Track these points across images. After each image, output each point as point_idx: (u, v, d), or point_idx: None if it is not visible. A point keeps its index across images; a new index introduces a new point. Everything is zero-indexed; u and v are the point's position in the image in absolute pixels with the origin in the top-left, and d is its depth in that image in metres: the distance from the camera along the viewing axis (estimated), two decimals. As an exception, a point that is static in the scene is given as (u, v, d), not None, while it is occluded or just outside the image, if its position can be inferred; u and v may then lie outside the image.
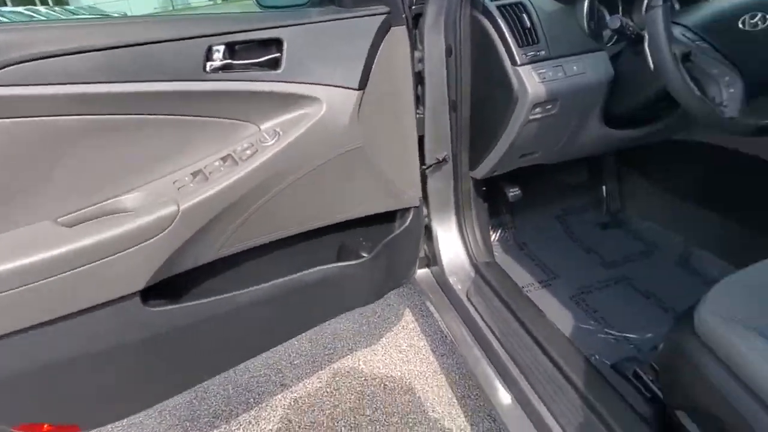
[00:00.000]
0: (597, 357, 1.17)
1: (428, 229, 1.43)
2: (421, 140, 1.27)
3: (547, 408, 0.97)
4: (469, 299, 1.27)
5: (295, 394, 1.46)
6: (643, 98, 1.12)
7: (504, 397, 1.08)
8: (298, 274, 1.03)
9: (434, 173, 1.35)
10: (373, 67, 0.96)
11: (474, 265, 1.35)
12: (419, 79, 1.23)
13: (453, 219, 1.41)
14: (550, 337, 1.11)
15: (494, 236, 1.63)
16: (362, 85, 0.95)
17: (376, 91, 0.98)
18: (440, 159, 1.32)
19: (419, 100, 1.25)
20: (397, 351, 1.62)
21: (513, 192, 1.48)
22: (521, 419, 1.02)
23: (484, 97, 1.20)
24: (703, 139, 1.39)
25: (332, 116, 0.90)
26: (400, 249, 1.20)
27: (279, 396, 1.46)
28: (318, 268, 1.06)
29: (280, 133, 0.88)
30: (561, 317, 1.30)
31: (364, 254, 1.15)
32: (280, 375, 1.53)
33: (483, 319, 1.21)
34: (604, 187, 1.71)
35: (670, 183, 1.58)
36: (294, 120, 0.89)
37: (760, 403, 0.71)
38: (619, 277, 1.45)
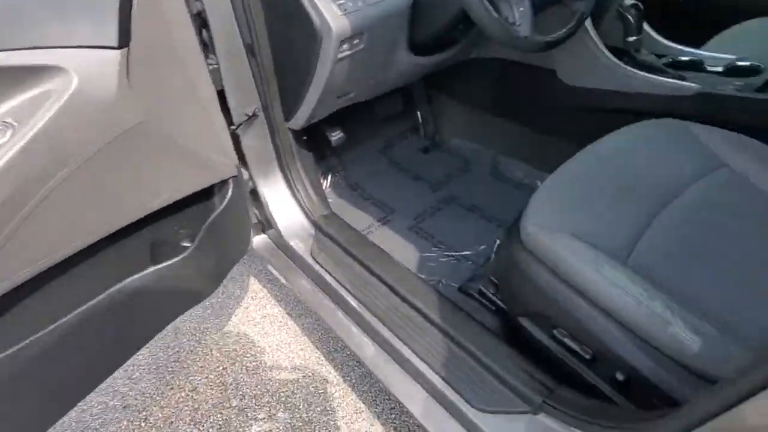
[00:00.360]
0: (444, 282, 1.23)
1: (255, 194, 1.29)
2: (222, 96, 1.08)
3: (409, 347, 0.99)
4: (314, 258, 1.21)
5: (145, 413, 1.27)
6: (442, 22, 1.10)
7: (367, 346, 1.08)
8: (103, 295, 0.82)
9: (247, 131, 1.18)
10: (133, 13, 0.74)
11: (312, 221, 1.27)
12: (202, 21, 1.02)
13: (279, 177, 1.28)
14: (398, 276, 1.11)
15: (325, 184, 1.56)
16: (124, 42, 0.73)
17: (145, 46, 0.77)
18: (250, 114, 1.15)
19: (208, 48, 1.05)
20: (251, 326, 1.51)
21: (336, 136, 1.41)
22: (387, 363, 1.03)
23: (284, 37, 1.05)
24: (497, 55, 1.48)
25: (90, 89, 0.68)
26: (228, 226, 1.05)
27: (124, 422, 1.25)
28: (130, 279, 0.86)
29: (15, 124, 0.63)
30: (405, 251, 1.33)
31: (186, 244, 0.97)
32: (120, 397, 1.31)
33: (332, 276, 1.16)
34: (418, 113, 1.75)
35: (473, 100, 1.68)
36: (32, 103, 0.65)
37: (581, 296, 0.81)
38: (446, 197, 1.53)
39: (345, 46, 1.01)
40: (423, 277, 1.26)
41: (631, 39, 1.21)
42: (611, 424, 0.71)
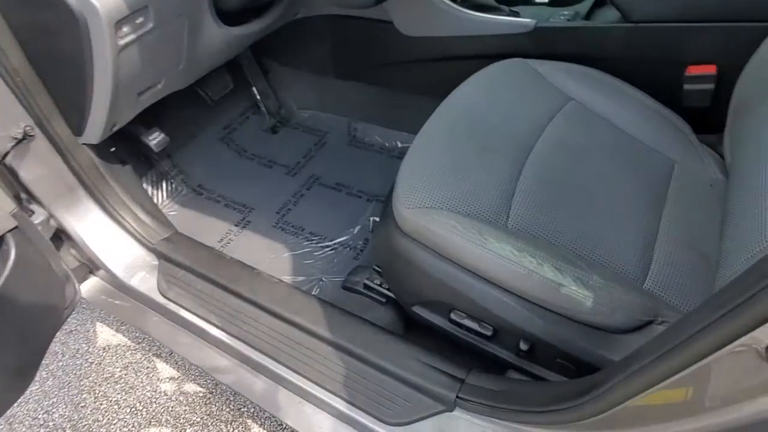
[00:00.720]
0: (325, 279, 1.11)
1: (65, 234, 1.00)
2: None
3: (299, 373, 0.85)
4: (163, 295, 0.99)
5: None
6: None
7: (252, 382, 0.92)
8: None
9: (24, 160, 0.89)
10: None
11: (151, 249, 1.03)
12: None
13: (91, 206, 1.01)
14: (267, 291, 0.94)
15: (160, 196, 1.29)
16: None
17: None
18: (19, 137, 0.86)
19: None
20: (111, 383, 1.24)
21: (155, 138, 1.14)
22: (280, 396, 0.89)
23: (36, 28, 0.77)
24: (327, 11, 1.31)
25: None
26: (21, 294, 0.78)
27: None
28: None
29: None
30: (274, 255, 1.17)
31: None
32: None
33: (190, 311, 0.96)
34: (254, 89, 1.52)
35: (312, 64, 1.50)
36: None
37: (471, 275, 0.74)
38: (307, 180, 1.38)
39: (126, 29, 0.76)
40: (301, 279, 1.12)
41: (459, -22, 1.13)
42: (526, 407, 0.66)
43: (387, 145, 1.44)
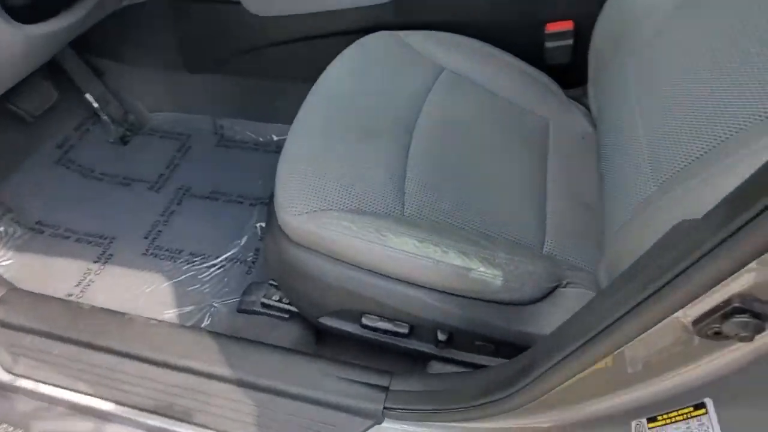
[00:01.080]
0: (217, 305, 0.97)
1: None
2: None
3: (201, 426, 0.73)
4: (9, 372, 0.79)
5: None
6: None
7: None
8: None
9: None
10: None
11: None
12: None
13: None
14: (146, 338, 0.78)
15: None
16: None
17: None
18: None
19: None
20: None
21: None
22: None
23: None
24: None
25: None
26: None
27: None
28: None
29: None
30: (150, 290, 1.00)
31: None
32: None
33: (49, 384, 0.78)
34: (88, 96, 1.27)
35: (157, 58, 1.29)
36: None
37: (375, 275, 0.69)
38: (176, 193, 1.20)
39: None
40: (189, 309, 0.98)
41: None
42: (457, 405, 0.63)
43: (261, 140, 1.31)
